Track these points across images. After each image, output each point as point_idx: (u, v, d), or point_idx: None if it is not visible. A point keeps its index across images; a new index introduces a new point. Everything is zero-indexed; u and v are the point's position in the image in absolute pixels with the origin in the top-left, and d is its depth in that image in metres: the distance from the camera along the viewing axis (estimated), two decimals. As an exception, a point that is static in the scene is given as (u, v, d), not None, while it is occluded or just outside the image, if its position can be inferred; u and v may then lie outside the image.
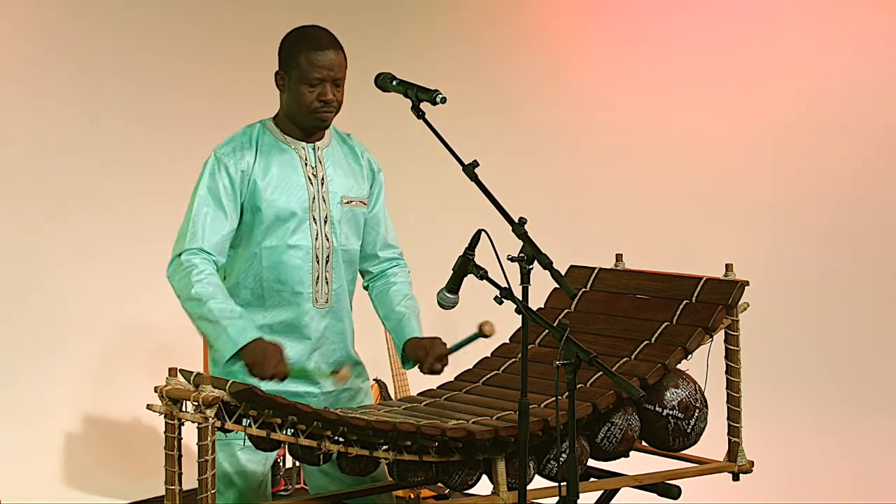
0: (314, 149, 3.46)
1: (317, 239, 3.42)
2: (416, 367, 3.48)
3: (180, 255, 3.32)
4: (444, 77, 4.52)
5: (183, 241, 3.33)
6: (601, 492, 3.71)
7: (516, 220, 3.01)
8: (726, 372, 3.75)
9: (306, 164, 3.43)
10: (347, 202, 3.48)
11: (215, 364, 3.43)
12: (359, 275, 3.63)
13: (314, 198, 3.42)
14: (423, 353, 3.44)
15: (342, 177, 3.49)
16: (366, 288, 3.66)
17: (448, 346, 3.46)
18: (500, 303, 3.00)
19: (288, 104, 3.40)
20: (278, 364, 3.21)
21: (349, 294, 3.55)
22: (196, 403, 2.81)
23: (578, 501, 2.94)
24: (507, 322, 3.46)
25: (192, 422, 2.85)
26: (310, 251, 3.41)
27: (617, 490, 3.70)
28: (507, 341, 3.87)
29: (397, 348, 3.55)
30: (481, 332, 3.45)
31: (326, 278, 3.45)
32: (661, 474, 3.64)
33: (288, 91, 3.39)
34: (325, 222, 3.44)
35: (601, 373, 3.01)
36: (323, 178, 3.45)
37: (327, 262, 3.44)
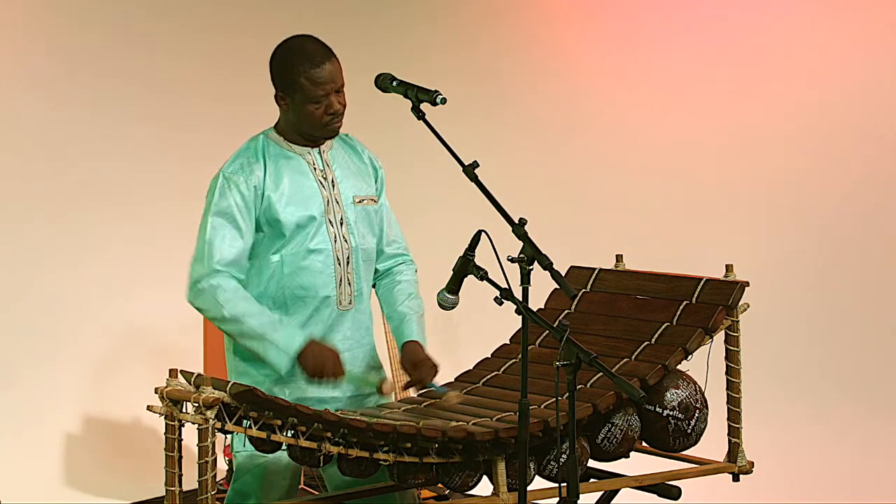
0: (320, 153, 3.46)
1: (335, 241, 3.42)
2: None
3: (199, 281, 3.31)
4: (443, 78, 4.51)
5: (200, 265, 3.32)
6: (601, 492, 3.71)
7: (516, 221, 3.01)
8: (726, 373, 3.75)
9: (315, 169, 3.43)
10: (359, 201, 3.49)
11: (240, 376, 3.44)
12: None
13: (328, 201, 3.42)
14: (408, 368, 3.48)
15: (351, 177, 3.50)
16: (373, 286, 3.65)
17: (434, 374, 3.46)
18: (501, 303, 3.00)
19: (295, 120, 3.39)
20: (335, 365, 3.27)
21: (368, 294, 3.56)
22: (196, 405, 2.82)
23: (578, 502, 2.95)
24: (507, 323, 3.46)
25: (193, 423, 2.85)
26: (330, 254, 3.41)
27: (617, 491, 3.70)
28: (508, 342, 3.87)
29: (398, 348, 3.56)
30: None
31: (349, 280, 3.45)
32: (662, 475, 3.65)
33: (293, 111, 3.36)
34: (342, 224, 3.44)
35: (601, 373, 3.01)
36: (333, 181, 3.45)
37: (348, 263, 3.44)
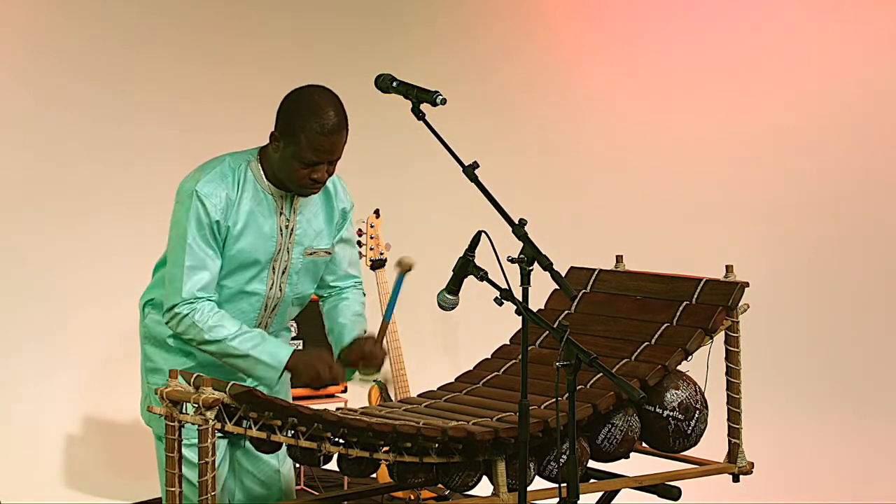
0: (292, 199, 3.38)
1: (271, 288, 3.39)
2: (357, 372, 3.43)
3: (175, 306, 3.26)
4: (444, 78, 4.51)
5: (176, 292, 3.25)
6: (601, 493, 3.72)
7: (516, 222, 3.01)
8: (726, 373, 3.75)
9: (281, 214, 3.37)
10: (311, 254, 3.43)
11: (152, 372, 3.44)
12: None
13: (280, 249, 3.37)
14: (358, 355, 3.39)
15: (311, 229, 3.42)
16: (321, 303, 3.63)
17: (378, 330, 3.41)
18: (501, 304, 3.00)
19: (278, 166, 3.28)
20: (331, 369, 3.25)
21: (287, 329, 3.57)
22: (196, 405, 2.82)
23: (578, 502, 2.95)
24: (507, 323, 3.46)
25: (193, 424, 2.85)
26: (262, 299, 3.39)
27: (617, 491, 3.70)
28: (508, 343, 3.87)
29: (337, 355, 3.46)
30: (401, 268, 3.39)
31: (267, 323, 3.44)
32: (662, 475, 3.65)
33: (281, 156, 3.26)
34: (283, 272, 3.40)
35: (601, 374, 3.01)
36: (293, 230, 3.38)
37: (274, 309, 3.43)
